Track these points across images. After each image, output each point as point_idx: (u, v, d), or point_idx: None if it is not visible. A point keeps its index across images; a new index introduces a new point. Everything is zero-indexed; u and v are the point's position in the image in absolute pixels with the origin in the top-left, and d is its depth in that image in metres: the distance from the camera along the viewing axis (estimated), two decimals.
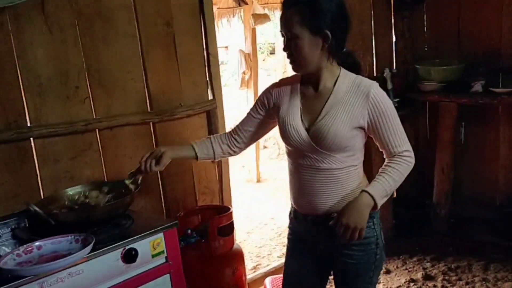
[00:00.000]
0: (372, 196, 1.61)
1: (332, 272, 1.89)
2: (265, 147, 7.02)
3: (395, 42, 3.93)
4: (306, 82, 1.73)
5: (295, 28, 1.59)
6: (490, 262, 3.30)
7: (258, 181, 5.98)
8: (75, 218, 1.84)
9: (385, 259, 1.92)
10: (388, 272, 3.31)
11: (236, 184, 3.81)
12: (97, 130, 2.28)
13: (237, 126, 1.92)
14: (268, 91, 1.83)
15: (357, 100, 1.63)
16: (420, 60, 3.86)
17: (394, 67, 3.91)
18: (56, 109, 2.15)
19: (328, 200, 1.70)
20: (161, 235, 1.87)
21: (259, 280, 3.17)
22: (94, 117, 2.27)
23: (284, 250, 2.03)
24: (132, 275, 1.81)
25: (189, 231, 2.35)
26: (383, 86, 3.72)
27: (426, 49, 3.96)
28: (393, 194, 3.97)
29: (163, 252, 1.89)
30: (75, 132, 2.20)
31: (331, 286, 1.97)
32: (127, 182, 1.88)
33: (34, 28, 2.06)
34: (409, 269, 3.33)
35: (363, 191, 1.63)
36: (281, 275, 2.00)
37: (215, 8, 2.74)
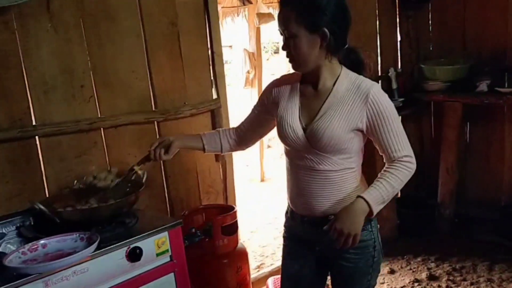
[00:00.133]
0: (367, 203, 1.56)
1: (329, 274, 1.86)
2: (269, 146, 7.01)
3: (400, 41, 3.92)
4: (306, 81, 1.70)
5: (292, 26, 1.55)
6: (495, 263, 3.29)
7: (262, 180, 5.98)
8: (80, 217, 1.84)
9: (383, 261, 1.90)
10: (392, 272, 3.30)
11: (240, 183, 3.81)
12: (101, 128, 2.28)
13: (242, 122, 1.92)
14: (268, 88, 1.82)
15: (356, 101, 1.59)
16: (425, 60, 3.86)
17: (399, 67, 3.90)
18: (61, 108, 2.15)
19: (324, 202, 1.67)
20: (165, 233, 1.88)
21: (263, 279, 3.17)
22: (99, 116, 2.27)
23: None
24: (137, 274, 1.81)
25: (194, 230, 2.36)
26: (388, 85, 3.71)
27: (431, 48, 3.95)
28: (397, 194, 3.96)
29: (167, 250, 1.89)
30: (80, 131, 2.21)
31: None
32: (136, 168, 1.88)
33: (39, 27, 2.06)
34: (414, 269, 3.32)
35: (359, 196, 1.58)
36: None
37: (219, 7, 2.74)
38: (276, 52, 10.66)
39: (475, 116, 3.72)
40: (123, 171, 2.01)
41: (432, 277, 3.19)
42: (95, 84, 2.25)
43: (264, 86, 1.95)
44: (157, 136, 2.47)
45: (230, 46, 9.30)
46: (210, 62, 2.68)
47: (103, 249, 1.69)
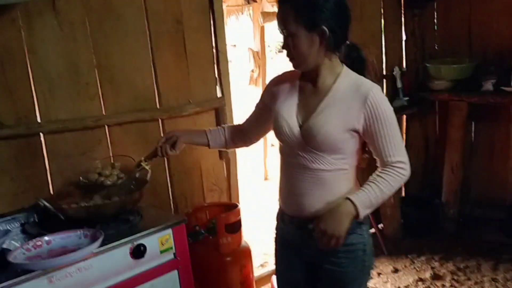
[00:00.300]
0: (355, 205, 1.53)
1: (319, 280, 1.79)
2: (272, 145, 6.98)
3: (405, 40, 3.90)
4: (305, 78, 1.68)
5: (290, 25, 1.53)
6: (500, 262, 3.27)
7: (266, 179, 5.98)
8: (84, 214, 1.85)
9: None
10: (396, 271, 3.30)
11: (243, 181, 3.81)
12: (106, 126, 2.29)
13: (246, 119, 1.92)
14: (269, 85, 1.81)
15: (355, 102, 1.56)
16: (430, 59, 3.83)
17: (404, 66, 3.88)
18: (66, 105, 2.16)
19: (315, 202, 1.64)
20: (169, 231, 1.88)
21: (266, 277, 3.17)
22: (104, 113, 2.28)
23: None
24: (141, 271, 1.82)
25: (197, 228, 2.36)
26: (393, 84, 3.70)
27: (436, 47, 3.93)
28: (401, 192, 3.97)
29: (171, 248, 1.90)
30: (85, 128, 2.22)
31: None
32: (143, 163, 1.88)
33: (45, 24, 2.07)
34: (417, 268, 3.31)
35: (347, 198, 1.54)
36: None
37: (224, 6, 2.74)
38: (281, 51, 10.62)
39: (480, 115, 3.70)
40: (128, 167, 2.02)
41: (436, 277, 3.18)
42: (100, 82, 2.26)
43: None
44: (161, 134, 2.47)
45: (234, 45, 9.29)
46: (215, 60, 2.67)
47: (107, 246, 1.69)
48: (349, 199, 1.54)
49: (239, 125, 1.96)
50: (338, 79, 1.61)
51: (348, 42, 1.62)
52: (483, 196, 3.82)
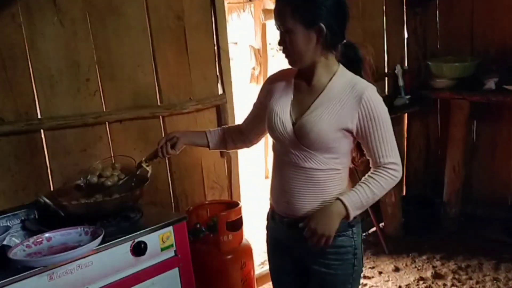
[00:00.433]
0: (345, 206, 1.54)
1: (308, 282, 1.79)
2: None
3: (407, 38, 3.90)
4: (301, 76, 1.67)
5: (287, 21, 1.52)
6: (501, 262, 3.27)
7: (267, 177, 5.97)
8: (85, 210, 1.84)
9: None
10: (397, 270, 3.29)
11: (244, 179, 3.80)
12: (107, 123, 2.28)
13: (245, 120, 1.91)
14: (265, 84, 1.80)
15: (349, 101, 1.55)
16: (432, 57, 3.83)
17: (406, 64, 3.88)
18: (67, 101, 2.15)
19: (306, 202, 1.63)
20: (170, 228, 1.88)
21: (267, 276, 3.14)
22: (104, 110, 2.26)
23: None
24: (141, 268, 1.81)
25: (198, 226, 2.35)
26: (394, 82, 3.70)
27: (438, 45, 3.92)
28: (402, 191, 3.96)
29: (172, 245, 1.89)
30: (85, 125, 2.20)
31: None
32: (144, 165, 1.88)
33: (45, 20, 2.06)
34: (419, 267, 3.31)
35: (337, 199, 1.55)
36: None
37: (225, 3, 2.73)
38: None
39: (482, 114, 3.69)
40: (128, 167, 2.01)
41: (437, 276, 3.18)
42: (101, 78, 2.24)
43: None
44: (162, 131, 2.47)
45: (236, 43, 9.28)
46: (216, 58, 2.66)
47: (107, 243, 1.69)
48: (340, 199, 1.55)
49: (238, 125, 1.95)
50: (334, 78, 1.60)
51: (345, 40, 1.61)
52: (485, 195, 3.81)
